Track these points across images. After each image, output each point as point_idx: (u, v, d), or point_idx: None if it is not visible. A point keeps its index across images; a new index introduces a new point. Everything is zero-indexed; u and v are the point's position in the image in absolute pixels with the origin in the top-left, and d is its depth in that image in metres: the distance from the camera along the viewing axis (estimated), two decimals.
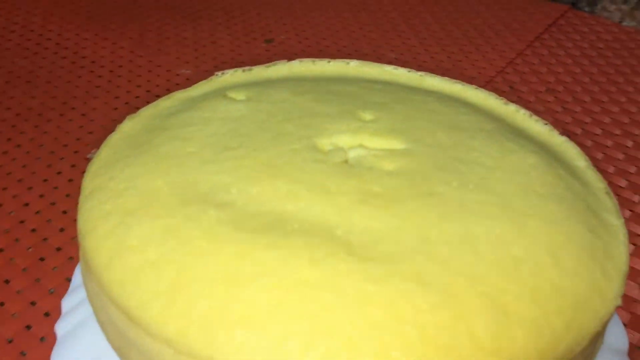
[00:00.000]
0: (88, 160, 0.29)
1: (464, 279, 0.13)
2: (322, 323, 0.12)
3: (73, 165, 0.28)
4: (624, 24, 0.41)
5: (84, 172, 0.28)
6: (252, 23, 0.40)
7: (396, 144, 0.17)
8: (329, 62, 0.23)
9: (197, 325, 0.13)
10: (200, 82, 0.21)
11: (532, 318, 0.13)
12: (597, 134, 0.31)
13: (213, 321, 0.13)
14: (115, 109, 0.32)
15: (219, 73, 0.22)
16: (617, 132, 0.32)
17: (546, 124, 0.20)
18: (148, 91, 0.34)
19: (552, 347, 0.13)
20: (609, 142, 0.31)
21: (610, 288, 0.14)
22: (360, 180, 0.15)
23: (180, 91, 0.21)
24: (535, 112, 0.33)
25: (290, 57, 0.37)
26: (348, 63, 0.23)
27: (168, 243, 0.14)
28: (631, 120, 0.32)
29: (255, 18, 0.41)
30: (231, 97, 0.19)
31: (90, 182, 0.17)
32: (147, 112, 0.20)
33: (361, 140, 0.17)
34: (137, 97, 0.33)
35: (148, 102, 0.33)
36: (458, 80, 0.23)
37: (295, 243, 0.14)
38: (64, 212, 0.26)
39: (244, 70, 0.22)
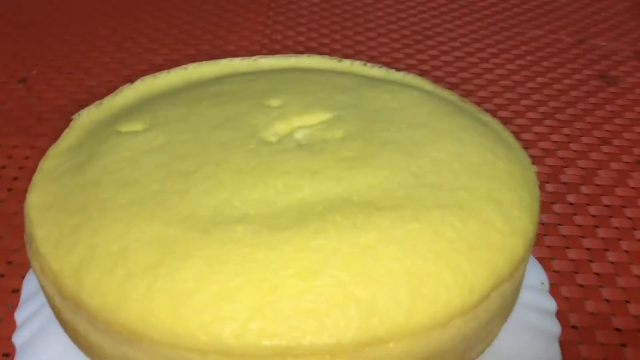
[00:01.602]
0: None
1: (467, 192, 0.16)
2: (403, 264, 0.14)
3: None
4: None
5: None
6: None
7: (323, 116, 0.19)
8: (169, 72, 0.23)
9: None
10: (66, 130, 0.20)
11: (514, 200, 0.17)
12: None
13: None
14: None
15: (76, 115, 0.20)
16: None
17: (381, 67, 0.24)
18: None
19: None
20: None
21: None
22: (329, 153, 0.17)
23: (55, 145, 0.19)
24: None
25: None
26: (186, 68, 0.23)
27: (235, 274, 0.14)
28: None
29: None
30: (129, 131, 0.18)
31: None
32: (49, 172, 0.18)
33: (292, 123, 0.18)
34: None
35: None
36: (289, 54, 0.25)
37: (336, 219, 0.15)
38: None
39: (96, 106, 0.21)
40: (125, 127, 0.19)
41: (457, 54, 0.37)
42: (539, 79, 0.35)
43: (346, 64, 0.24)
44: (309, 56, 0.24)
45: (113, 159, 0.17)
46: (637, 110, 0.33)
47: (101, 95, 0.33)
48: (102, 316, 0.14)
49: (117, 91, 0.21)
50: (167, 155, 0.17)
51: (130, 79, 0.34)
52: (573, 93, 0.34)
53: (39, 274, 0.16)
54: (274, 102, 0.19)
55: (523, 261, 0.16)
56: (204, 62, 0.23)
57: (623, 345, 0.20)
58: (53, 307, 0.16)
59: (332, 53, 0.37)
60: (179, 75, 0.23)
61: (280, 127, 0.18)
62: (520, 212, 0.16)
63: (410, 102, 0.19)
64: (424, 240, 0.15)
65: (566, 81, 0.35)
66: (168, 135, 0.18)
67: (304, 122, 0.18)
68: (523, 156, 0.19)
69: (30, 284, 0.20)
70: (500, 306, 0.16)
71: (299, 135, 0.18)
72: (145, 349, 0.14)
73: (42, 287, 0.16)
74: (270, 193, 0.16)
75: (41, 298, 0.19)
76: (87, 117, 0.20)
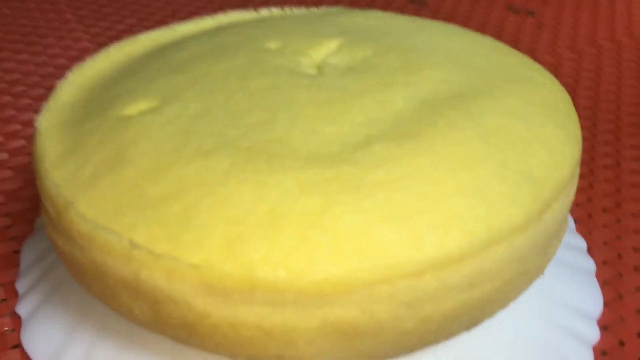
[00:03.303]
0: None
1: (520, 121, 0.16)
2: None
3: None
4: None
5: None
6: None
7: (332, 43, 0.18)
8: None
9: None
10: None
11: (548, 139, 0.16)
12: None
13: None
14: None
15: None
16: None
17: (299, 7, 0.23)
18: None
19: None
20: None
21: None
22: (380, 67, 0.16)
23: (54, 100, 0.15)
24: None
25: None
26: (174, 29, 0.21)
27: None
28: None
29: None
30: (134, 113, 0.16)
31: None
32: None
33: (312, 56, 0.17)
34: None
35: None
36: (205, 16, 0.23)
37: (452, 113, 0.15)
38: None
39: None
40: (130, 110, 0.16)
41: None
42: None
43: (265, 12, 0.23)
44: (224, 14, 0.23)
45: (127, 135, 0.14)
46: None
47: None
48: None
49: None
50: (222, 119, 0.15)
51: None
52: None
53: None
54: (273, 44, 0.18)
55: (577, 166, 0.16)
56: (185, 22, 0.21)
57: None
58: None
59: None
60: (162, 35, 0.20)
61: (303, 61, 0.17)
62: (572, 122, 0.16)
63: (392, 21, 0.20)
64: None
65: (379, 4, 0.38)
66: (200, 104, 0.16)
67: (322, 52, 0.18)
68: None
69: (29, 254, 0.19)
70: (561, 218, 0.15)
71: (333, 61, 0.17)
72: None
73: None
74: (375, 109, 0.15)
75: (41, 266, 0.19)
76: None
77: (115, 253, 0.13)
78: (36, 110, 0.27)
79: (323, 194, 0.13)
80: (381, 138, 0.14)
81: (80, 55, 0.32)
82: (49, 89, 0.29)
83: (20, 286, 0.19)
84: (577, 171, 0.16)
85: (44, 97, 0.28)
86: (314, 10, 0.23)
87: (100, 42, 0.33)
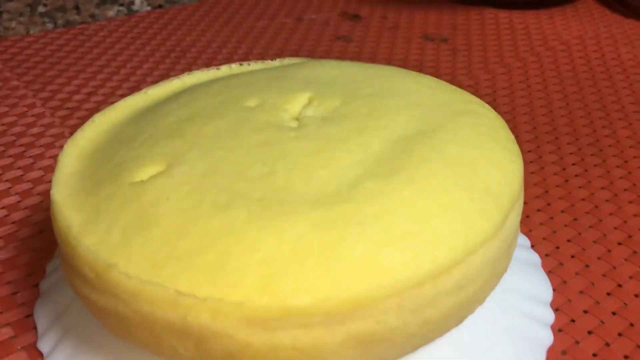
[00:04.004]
0: None
1: (474, 149, 0.19)
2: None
3: None
4: (32, 32, 0.43)
5: None
6: None
7: (303, 96, 0.21)
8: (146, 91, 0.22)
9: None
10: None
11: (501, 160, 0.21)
12: None
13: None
14: None
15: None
16: None
17: (256, 62, 0.26)
18: None
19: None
20: None
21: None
22: (354, 115, 0.19)
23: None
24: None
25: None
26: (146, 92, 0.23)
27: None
28: None
29: None
30: (145, 177, 0.18)
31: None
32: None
33: (288, 111, 0.20)
34: None
35: None
36: (171, 78, 0.25)
37: (422, 150, 0.18)
38: None
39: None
40: (140, 176, 0.18)
41: None
42: None
43: (225, 69, 0.25)
44: (189, 74, 0.25)
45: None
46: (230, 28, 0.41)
47: None
48: None
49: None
50: (226, 178, 0.17)
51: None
52: None
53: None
54: (252, 102, 0.21)
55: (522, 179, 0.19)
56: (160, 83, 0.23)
57: None
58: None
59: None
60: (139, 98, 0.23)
61: (283, 116, 0.20)
62: (512, 144, 0.20)
63: (350, 70, 0.23)
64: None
65: None
66: (204, 164, 0.18)
67: (297, 105, 0.20)
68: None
69: (44, 316, 0.21)
70: (517, 224, 0.19)
71: (309, 113, 0.20)
72: None
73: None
74: (357, 152, 0.18)
75: (61, 325, 0.20)
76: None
77: (161, 302, 0.15)
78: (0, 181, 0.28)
79: (333, 229, 0.16)
80: (369, 177, 0.17)
81: (36, 121, 0.33)
82: (14, 157, 0.30)
83: (43, 346, 0.20)
84: (522, 183, 0.19)
85: (8, 167, 0.29)
86: (270, 62, 0.26)
87: (52, 107, 0.34)
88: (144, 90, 0.24)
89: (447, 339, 0.19)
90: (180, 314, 0.15)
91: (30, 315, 0.22)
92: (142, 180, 0.18)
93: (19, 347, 0.20)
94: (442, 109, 0.20)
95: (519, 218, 0.18)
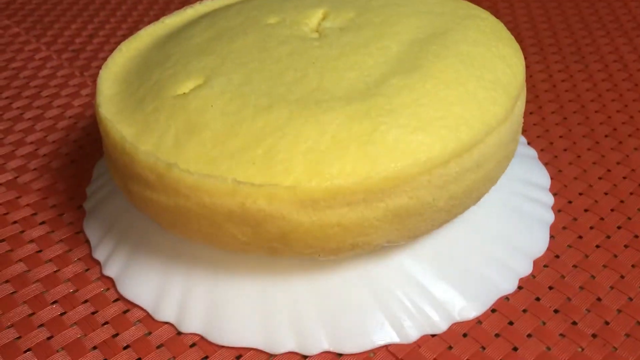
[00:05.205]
0: None
1: (482, 46, 0.22)
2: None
3: None
4: None
5: None
6: None
7: (318, 11, 0.22)
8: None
9: None
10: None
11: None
12: None
13: None
14: None
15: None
16: None
17: None
18: None
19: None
20: None
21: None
22: (368, 24, 0.21)
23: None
24: None
25: None
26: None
27: None
28: None
29: None
30: (187, 90, 0.20)
31: None
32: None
33: (308, 24, 0.22)
34: None
35: None
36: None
37: (436, 49, 0.20)
38: None
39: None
40: (182, 88, 0.20)
41: None
42: None
43: None
44: (201, 3, 0.26)
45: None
46: None
47: None
48: None
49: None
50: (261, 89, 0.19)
51: None
52: None
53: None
54: (272, 20, 0.22)
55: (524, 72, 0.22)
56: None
57: None
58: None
59: None
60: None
61: (304, 29, 0.21)
62: (513, 42, 0.22)
63: None
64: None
65: None
66: (239, 75, 0.20)
67: (315, 20, 0.22)
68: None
69: (94, 230, 0.23)
70: (522, 112, 0.21)
71: (327, 25, 0.22)
72: None
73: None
74: (379, 55, 0.20)
75: (112, 238, 0.23)
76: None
77: (221, 192, 0.17)
78: (12, 119, 0.30)
79: (367, 119, 0.18)
80: (393, 74, 0.19)
81: (45, 64, 0.34)
82: (30, 98, 0.31)
83: (99, 255, 0.22)
84: (525, 75, 0.21)
85: (27, 107, 0.30)
86: None
87: (57, 49, 0.35)
88: (161, 20, 0.25)
89: (467, 220, 0.21)
90: (238, 202, 0.17)
91: (79, 232, 0.23)
92: (184, 93, 0.19)
93: (75, 259, 0.22)
94: (449, 15, 0.22)
95: (523, 106, 0.21)
